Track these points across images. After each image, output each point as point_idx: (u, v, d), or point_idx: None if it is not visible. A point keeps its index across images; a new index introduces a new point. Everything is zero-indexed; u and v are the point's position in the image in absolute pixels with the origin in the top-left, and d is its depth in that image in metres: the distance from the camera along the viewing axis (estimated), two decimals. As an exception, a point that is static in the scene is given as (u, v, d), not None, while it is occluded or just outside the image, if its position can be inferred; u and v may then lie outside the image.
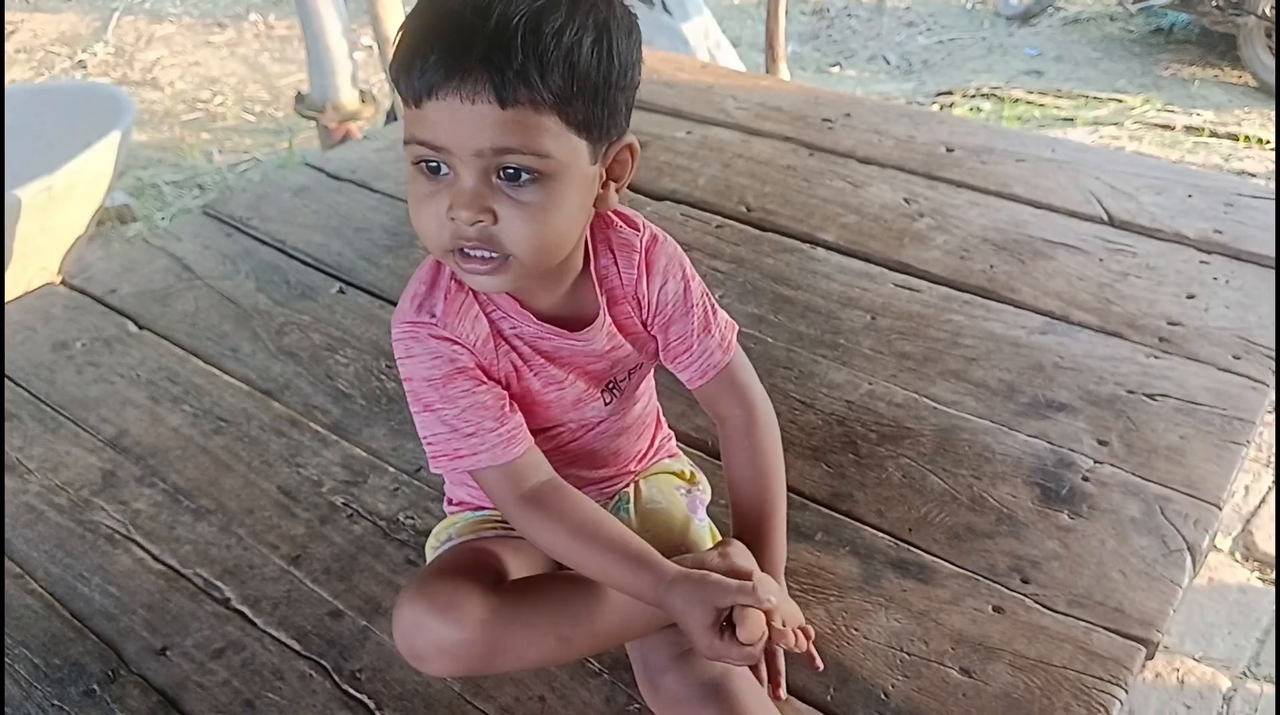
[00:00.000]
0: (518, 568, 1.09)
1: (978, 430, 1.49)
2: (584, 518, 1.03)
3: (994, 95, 4.79)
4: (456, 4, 0.84)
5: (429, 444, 1.03)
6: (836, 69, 5.76)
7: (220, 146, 4.69)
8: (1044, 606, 1.23)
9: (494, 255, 0.90)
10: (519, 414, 1.04)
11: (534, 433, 1.07)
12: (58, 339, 1.80)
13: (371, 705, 1.17)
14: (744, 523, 1.14)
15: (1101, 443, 1.46)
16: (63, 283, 1.98)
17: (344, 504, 1.44)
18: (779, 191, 2.08)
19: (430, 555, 1.21)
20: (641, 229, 1.08)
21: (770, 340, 1.68)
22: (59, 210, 2.82)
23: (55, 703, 1.20)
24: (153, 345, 1.78)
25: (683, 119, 2.37)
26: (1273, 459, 2.23)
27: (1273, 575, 1.97)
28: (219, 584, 1.34)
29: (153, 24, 6.13)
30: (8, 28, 6.08)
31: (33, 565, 1.38)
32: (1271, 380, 1.56)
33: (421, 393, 1.01)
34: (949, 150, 2.19)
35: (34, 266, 2.73)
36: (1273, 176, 3.73)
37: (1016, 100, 4.66)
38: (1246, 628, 1.89)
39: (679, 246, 1.11)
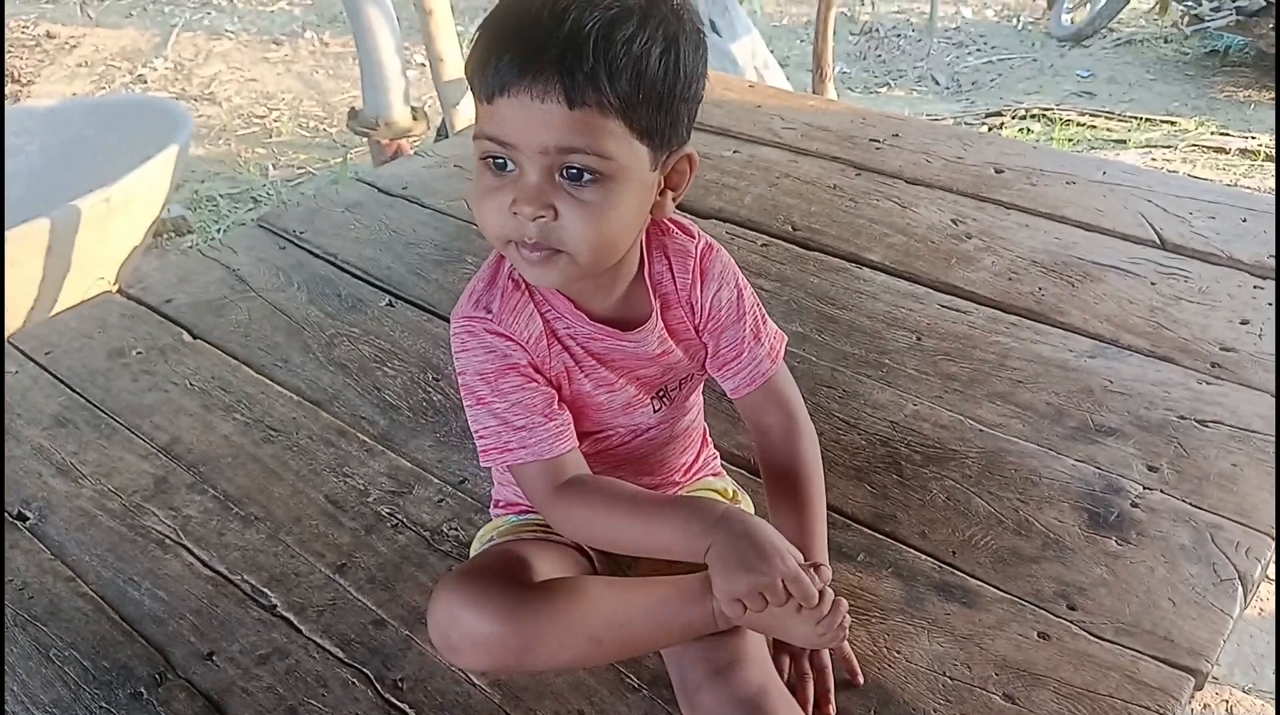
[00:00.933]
0: (551, 570, 1.10)
1: (1024, 453, 1.47)
2: (618, 489, 1.05)
3: (1044, 116, 4.74)
4: (535, 7, 0.88)
5: (480, 437, 1.05)
6: (885, 89, 5.74)
7: (275, 161, 4.77)
8: (1090, 634, 1.22)
9: (547, 250, 0.94)
10: (567, 413, 1.06)
11: (583, 436, 1.10)
12: (114, 347, 1.84)
13: (412, 714, 1.18)
14: (785, 534, 1.13)
15: (1151, 469, 1.44)
16: (119, 292, 2.02)
17: (389, 514, 1.46)
18: (825, 211, 2.08)
19: (474, 551, 1.24)
20: (697, 237, 1.11)
21: (815, 359, 1.68)
22: (116, 221, 2.89)
23: (103, 705, 1.22)
24: (206, 354, 1.81)
25: (730, 138, 2.38)
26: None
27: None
28: (266, 591, 1.36)
29: (211, 40, 6.26)
30: (69, 41, 6.24)
31: (84, 568, 1.41)
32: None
33: (474, 386, 1.04)
34: (998, 171, 2.17)
35: (91, 276, 2.80)
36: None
37: (1068, 122, 4.61)
38: (1298, 660, 1.85)
39: (731, 258, 1.13)
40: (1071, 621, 1.23)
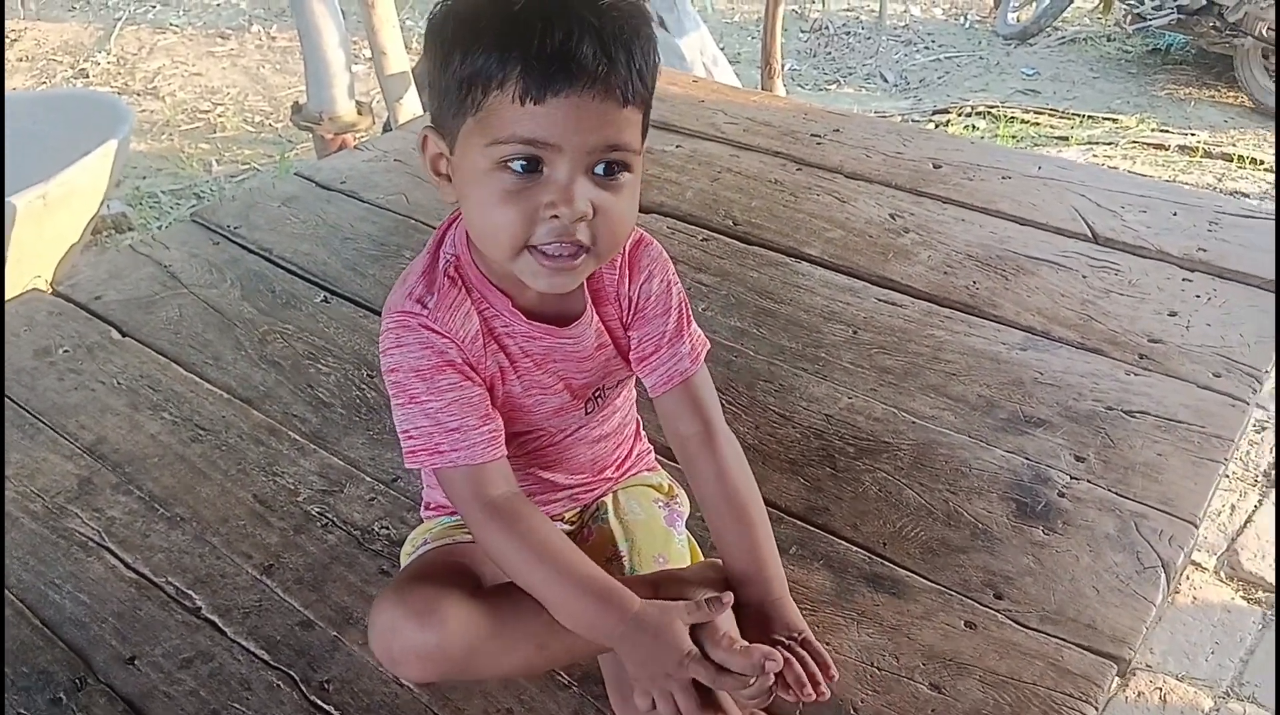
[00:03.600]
0: (494, 573, 1.08)
1: (955, 445, 1.49)
2: (546, 537, 1.02)
3: (990, 113, 4.80)
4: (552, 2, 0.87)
5: (409, 437, 1.02)
6: (834, 86, 5.79)
7: (219, 157, 4.71)
8: (1016, 622, 1.23)
9: (576, 249, 0.92)
10: (500, 420, 1.05)
11: (511, 436, 1.08)
12: (40, 345, 1.80)
13: (338, 715, 1.17)
14: (727, 541, 1.12)
15: (1079, 459, 1.45)
16: (52, 290, 1.98)
17: (319, 513, 1.44)
18: (766, 206, 2.09)
19: (405, 561, 1.22)
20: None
21: (752, 353, 1.68)
22: (54, 218, 2.83)
23: (21, 711, 1.19)
24: (135, 352, 1.78)
25: (673, 132, 2.38)
26: (1258, 477, 2.22)
27: (1258, 595, 1.96)
28: (190, 593, 1.33)
29: (155, 34, 6.16)
30: (10, 35, 6.11)
31: (5, 572, 1.37)
32: (1251, 398, 1.55)
33: (408, 384, 1.01)
34: (936, 166, 2.19)
35: (28, 273, 2.74)
36: (1266, 196, 3.73)
37: (1012, 118, 4.67)
38: (1230, 647, 1.89)
39: (665, 252, 1.13)
40: (998, 610, 1.25)
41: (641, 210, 2.07)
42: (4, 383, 1.71)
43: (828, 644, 1.20)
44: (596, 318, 1.08)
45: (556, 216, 0.90)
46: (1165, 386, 1.58)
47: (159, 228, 3.87)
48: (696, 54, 3.96)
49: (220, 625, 1.29)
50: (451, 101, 0.91)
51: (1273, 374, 1.65)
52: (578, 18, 0.86)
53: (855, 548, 1.34)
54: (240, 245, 2.06)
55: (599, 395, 1.14)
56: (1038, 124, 4.66)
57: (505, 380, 1.06)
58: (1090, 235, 1.95)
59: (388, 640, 1.00)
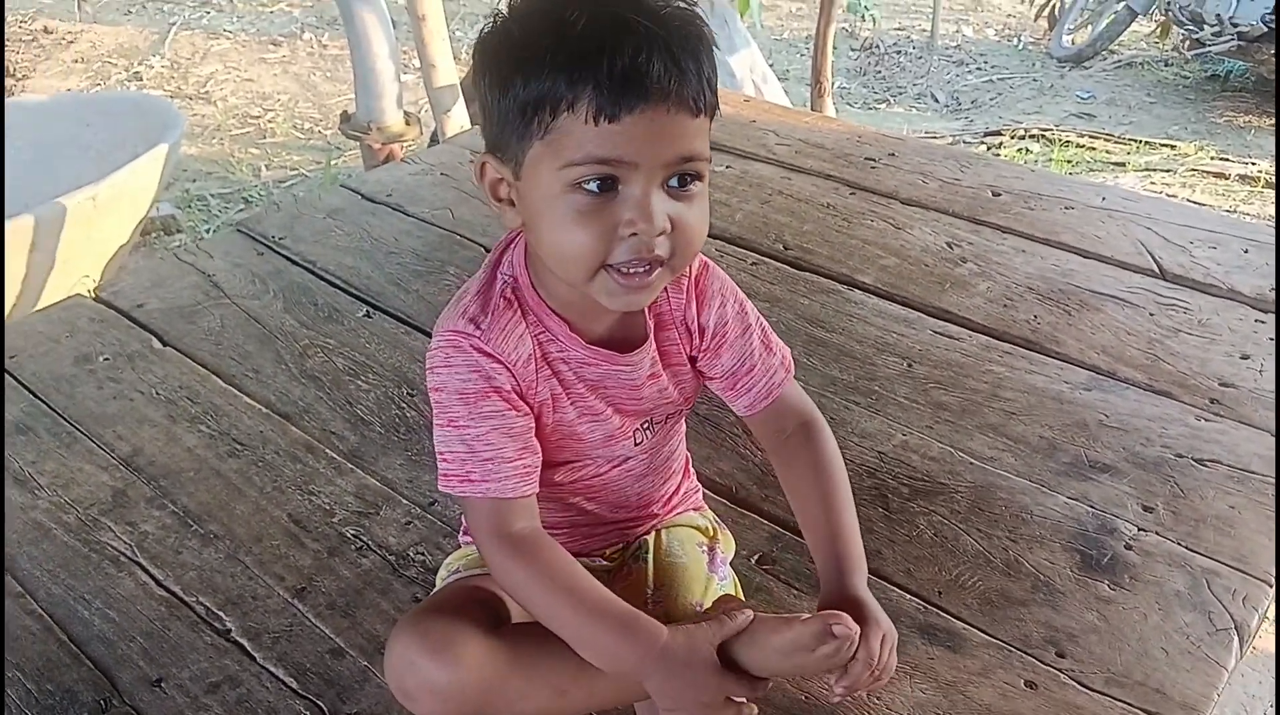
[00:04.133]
0: (519, 610, 1.04)
1: (1016, 489, 1.42)
2: (566, 570, 0.98)
3: (1043, 137, 4.71)
4: (610, 9, 0.84)
5: (443, 460, 0.99)
6: (884, 105, 5.71)
7: (268, 162, 4.73)
8: (1079, 684, 1.16)
9: (652, 264, 0.90)
10: (539, 454, 1.01)
11: (558, 465, 1.05)
12: (81, 352, 1.79)
13: (366, 752, 1.13)
14: (817, 534, 1.09)
15: (1147, 509, 1.38)
16: (94, 296, 1.97)
17: (354, 535, 1.40)
18: (818, 230, 2.03)
19: (440, 582, 1.17)
20: None
21: (802, 384, 1.60)
22: (103, 219, 2.84)
23: (45, 732, 1.16)
24: (175, 363, 1.76)
25: (723, 152, 2.33)
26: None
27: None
28: (220, 614, 1.30)
29: (209, 39, 6.21)
30: (66, 37, 6.19)
31: (35, 585, 1.35)
32: (1330, 450, 1.48)
33: (450, 406, 0.98)
34: (995, 194, 2.13)
35: (76, 273, 2.75)
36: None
37: (1066, 143, 4.57)
38: (1292, 702, 1.80)
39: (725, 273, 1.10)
40: (1060, 670, 1.18)
41: (691, 231, 2.03)
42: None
43: (879, 699, 1.15)
44: (654, 345, 1.05)
45: (635, 234, 0.87)
46: (1238, 434, 1.50)
47: (208, 230, 3.88)
48: (747, 71, 3.91)
49: (249, 649, 1.25)
50: (514, 126, 0.87)
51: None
52: (645, 31, 0.83)
53: (909, 595, 1.28)
54: (284, 256, 2.04)
55: (648, 427, 1.10)
56: (1093, 149, 4.56)
57: (557, 406, 1.03)
58: (1158, 271, 1.87)
59: (402, 674, 0.96)
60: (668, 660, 0.93)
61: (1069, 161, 4.39)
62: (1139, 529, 1.35)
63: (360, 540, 1.39)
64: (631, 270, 0.89)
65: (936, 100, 5.69)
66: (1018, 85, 5.74)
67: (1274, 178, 4.10)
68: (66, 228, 2.72)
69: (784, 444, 1.13)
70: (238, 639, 1.27)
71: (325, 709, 1.17)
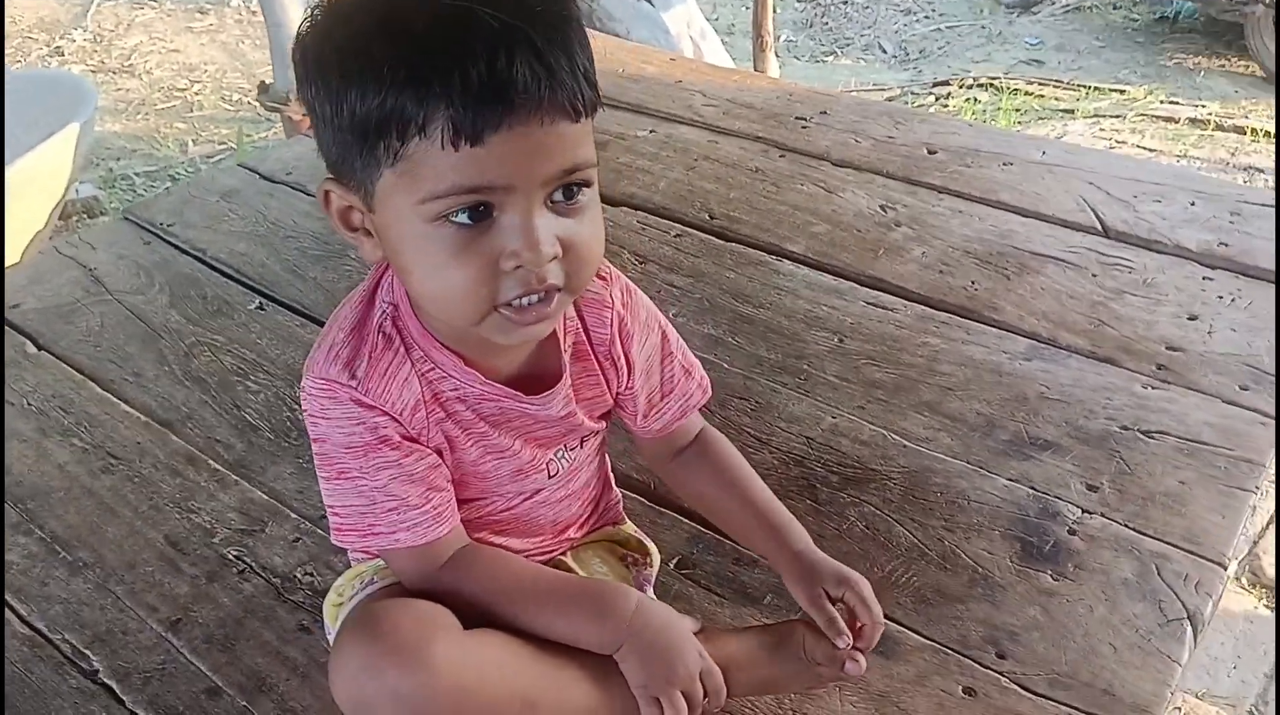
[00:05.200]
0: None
1: (952, 472, 1.32)
2: (515, 571, 0.92)
3: (992, 85, 4.61)
4: (450, 4, 0.69)
5: (336, 515, 0.88)
6: (832, 58, 5.59)
7: (195, 137, 4.55)
8: (1021, 687, 1.07)
9: (545, 293, 0.77)
10: (450, 486, 0.90)
11: (462, 502, 0.93)
12: (-52, 360, 1.64)
13: (241, 806, 1.02)
14: (745, 518, 1.03)
15: (1091, 488, 1.29)
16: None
17: (236, 556, 1.28)
18: (745, 197, 1.91)
19: (332, 614, 1.02)
20: (611, 280, 0.94)
21: (726, 366, 1.52)
22: (14, 205, 2.69)
23: (-123, 802, 1.04)
24: (50, 368, 1.62)
25: (646, 116, 2.19)
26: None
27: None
28: (87, 652, 1.18)
29: (134, 10, 5.96)
30: (-18, 15, 5.92)
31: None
32: (1284, 415, 1.39)
33: (337, 458, 0.86)
34: (931, 152, 2.01)
35: None
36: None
37: (1015, 91, 4.48)
38: (1254, 661, 1.73)
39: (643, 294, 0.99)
40: (1001, 672, 1.09)
41: (611, 203, 1.91)
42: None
43: (805, 713, 1.05)
44: (569, 382, 0.93)
45: (521, 266, 0.74)
46: (1187, 402, 1.41)
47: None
48: (683, 27, 3.77)
49: (118, 692, 1.13)
50: (355, 149, 0.73)
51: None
52: (502, 28, 0.68)
53: (838, 597, 1.18)
54: (173, 245, 1.89)
55: (562, 455, 0.98)
56: (1042, 96, 4.47)
57: (455, 447, 0.90)
58: (1100, 229, 1.77)
59: (359, 681, 0.81)
60: (642, 620, 0.88)
61: (1017, 109, 4.30)
62: (1083, 511, 1.26)
63: (243, 562, 1.27)
64: (524, 303, 0.76)
65: (884, 51, 5.58)
66: (966, 33, 5.63)
67: (1223, 121, 4.02)
68: (-24, 215, 2.57)
69: (679, 458, 1.04)
70: (105, 680, 1.15)
71: (197, 758, 1.06)
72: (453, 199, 0.72)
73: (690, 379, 1.02)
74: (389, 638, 0.82)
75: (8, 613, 1.23)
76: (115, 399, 1.54)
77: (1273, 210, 1.77)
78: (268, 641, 1.17)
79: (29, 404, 1.54)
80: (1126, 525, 1.24)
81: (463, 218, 0.73)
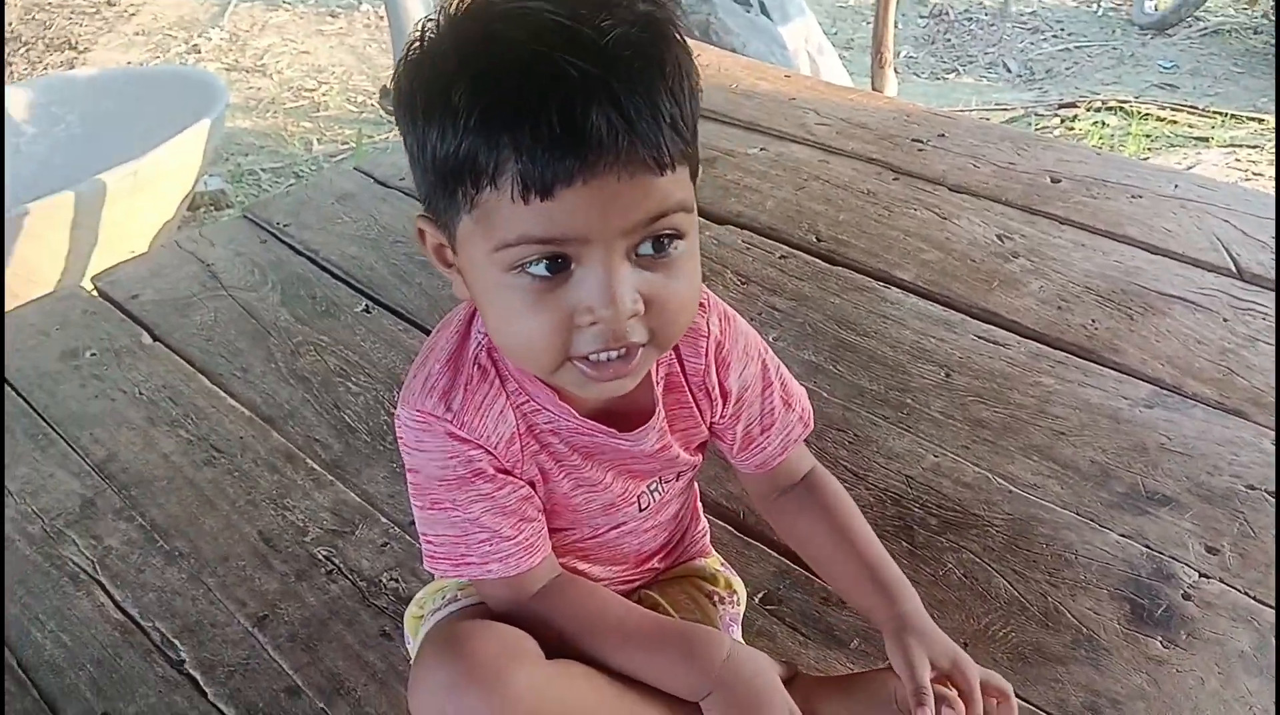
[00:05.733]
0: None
1: (1060, 524, 1.26)
2: (605, 607, 0.89)
3: (1122, 109, 4.43)
4: (534, 42, 0.65)
5: (430, 543, 0.88)
6: (953, 76, 5.45)
7: (320, 136, 4.67)
8: (1122, 761, 1.01)
9: (625, 351, 0.74)
10: (542, 516, 0.89)
11: (550, 530, 0.91)
12: (69, 347, 1.71)
13: (313, 811, 1.02)
14: (850, 569, 0.97)
15: (1210, 550, 1.21)
16: (95, 288, 1.89)
17: (325, 556, 1.29)
18: (855, 220, 1.86)
19: (414, 625, 1.02)
20: (709, 307, 0.90)
21: (826, 395, 1.48)
22: (144, 195, 2.82)
23: (-26, 774, 1.08)
24: (163, 359, 1.67)
25: (758, 133, 2.16)
26: None
27: None
28: (175, 642, 1.20)
29: (268, 11, 6.17)
30: (129, 10, 6.20)
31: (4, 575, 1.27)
32: None
33: (429, 489, 0.85)
34: (1054, 181, 1.93)
35: (123, 250, 2.71)
36: None
37: (1146, 115, 4.30)
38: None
39: (742, 319, 0.95)
40: (1100, 742, 1.03)
41: (716, 221, 1.89)
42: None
43: (885, 772, 1.01)
44: (664, 416, 0.90)
45: (596, 322, 0.71)
46: (1321, 463, 1.32)
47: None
48: (800, 43, 3.72)
49: (201, 684, 1.16)
50: (439, 191, 0.72)
51: None
52: (580, 76, 0.64)
53: (929, 647, 1.13)
54: (288, 245, 1.94)
55: (655, 489, 0.96)
56: (1174, 122, 4.27)
57: (548, 480, 0.89)
58: (1234, 269, 1.67)
59: (440, 703, 0.81)
60: (733, 670, 0.85)
61: (1148, 135, 4.12)
62: (1200, 574, 1.18)
63: (331, 562, 1.28)
64: (601, 358, 0.73)
65: (1009, 70, 5.42)
66: (1096, 54, 5.43)
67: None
68: (108, 204, 2.70)
69: (785, 497, 1.00)
70: (190, 671, 1.17)
71: (273, 758, 1.07)
72: (524, 249, 0.69)
73: (790, 411, 0.97)
74: (471, 660, 0.81)
75: (102, 596, 1.27)
76: (222, 393, 1.58)
77: None
78: (349, 645, 1.18)
79: (140, 393, 1.59)
80: (1246, 593, 1.16)
81: (539, 268, 0.70)
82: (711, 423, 0.94)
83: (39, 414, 1.57)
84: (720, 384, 0.91)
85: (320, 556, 1.30)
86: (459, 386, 0.83)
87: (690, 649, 0.86)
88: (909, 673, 0.86)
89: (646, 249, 0.71)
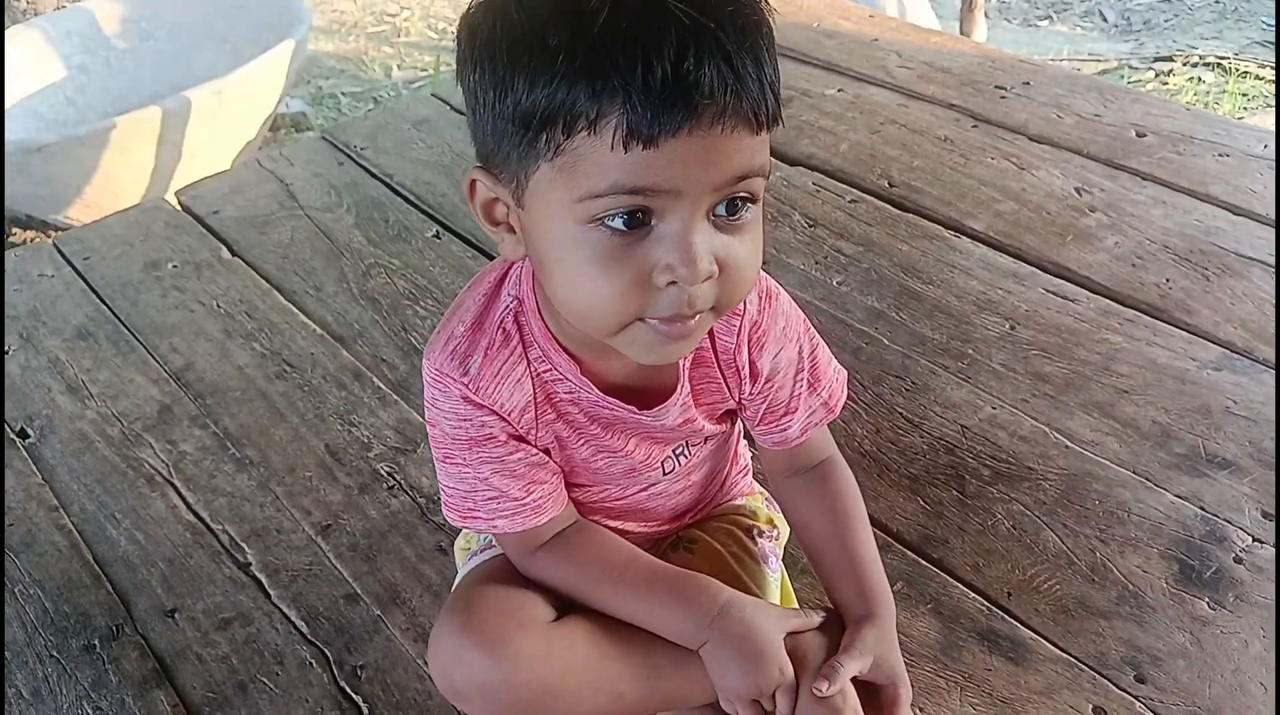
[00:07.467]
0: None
1: (1115, 481, 1.25)
2: (608, 556, 0.90)
3: (1220, 65, 4.26)
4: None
5: (444, 491, 0.90)
6: (1046, 23, 5.28)
7: (400, 62, 4.69)
8: (1157, 716, 1.02)
9: (695, 311, 0.72)
10: (556, 477, 0.89)
11: (572, 486, 0.92)
12: (152, 258, 1.77)
13: (365, 710, 1.07)
14: (834, 561, 0.94)
15: (1267, 516, 1.20)
16: (178, 202, 1.94)
17: (388, 472, 1.34)
18: (929, 167, 1.84)
19: (462, 557, 1.05)
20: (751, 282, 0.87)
21: (886, 341, 1.47)
22: (228, 114, 2.87)
23: (54, 654, 1.15)
24: (240, 274, 1.72)
25: (836, 74, 2.13)
26: None
27: None
28: (244, 545, 1.26)
29: (352, -66, 6.17)
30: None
31: (70, 499, 1.34)
32: None
33: (443, 443, 0.87)
34: (1139, 135, 1.88)
35: (206, 168, 2.78)
36: None
37: (1245, 74, 4.12)
38: None
39: (791, 301, 0.91)
40: (1137, 696, 1.03)
41: (787, 162, 1.87)
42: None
43: (920, 710, 1.03)
44: (688, 390, 0.88)
45: (674, 282, 0.69)
46: (1393, 436, 1.28)
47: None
48: (888, -18, 3.62)
49: (266, 585, 1.21)
50: (514, 139, 0.68)
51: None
52: (692, 25, 0.63)
53: (973, 594, 1.14)
54: (364, 168, 1.97)
55: (682, 452, 0.95)
56: (1273, 82, 4.10)
57: (565, 447, 0.89)
58: (1320, 234, 1.62)
59: (450, 671, 0.85)
60: (728, 620, 0.84)
61: (1244, 94, 3.96)
62: (1254, 539, 1.17)
63: (393, 479, 1.33)
64: (668, 322, 0.72)
65: (1105, 19, 5.22)
66: (1197, 6, 5.20)
67: None
68: (192, 121, 2.75)
69: (797, 479, 0.98)
70: (256, 574, 1.23)
71: (331, 658, 1.13)
72: (612, 199, 0.67)
73: (814, 394, 0.93)
74: (476, 631, 0.83)
75: (175, 498, 1.33)
76: (295, 310, 1.63)
77: None
78: (407, 557, 1.23)
79: (218, 306, 1.65)
80: (1302, 560, 1.15)
81: (618, 223, 0.68)
82: (740, 398, 0.92)
83: (121, 321, 1.63)
84: (751, 363, 0.89)
85: (383, 472, 1.34)
86: (479, 349, 0.83)
87: (685, 596, 0.86)
88: (843, 656, 0.85)
89: (721, 211, 0.70)
